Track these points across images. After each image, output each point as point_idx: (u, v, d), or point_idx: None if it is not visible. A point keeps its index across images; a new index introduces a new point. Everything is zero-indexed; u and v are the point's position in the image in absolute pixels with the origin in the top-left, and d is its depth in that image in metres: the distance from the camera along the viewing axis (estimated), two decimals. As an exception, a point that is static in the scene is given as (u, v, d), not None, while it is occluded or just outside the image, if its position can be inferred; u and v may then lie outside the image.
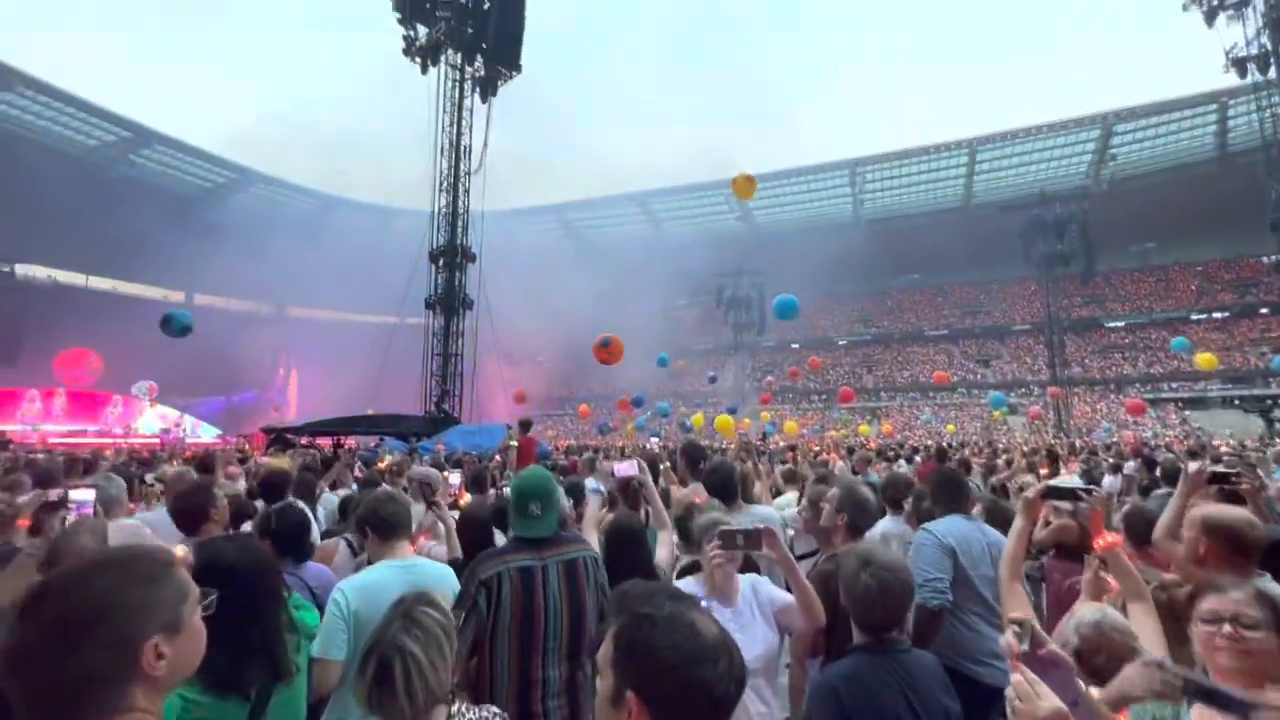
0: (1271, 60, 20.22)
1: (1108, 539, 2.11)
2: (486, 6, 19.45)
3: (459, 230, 19.32)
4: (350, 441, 15.66)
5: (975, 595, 2.71)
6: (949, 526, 2.80)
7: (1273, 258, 25.39)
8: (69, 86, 34.94)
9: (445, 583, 2.24)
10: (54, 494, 2.10)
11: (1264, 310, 37.13)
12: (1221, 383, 36.19)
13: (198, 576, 1.01)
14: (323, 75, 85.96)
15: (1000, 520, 3.58)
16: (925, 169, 44.99)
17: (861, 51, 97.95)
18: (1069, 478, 3.11)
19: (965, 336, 47.44)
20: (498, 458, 8.96)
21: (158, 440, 34.47)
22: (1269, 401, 30.48)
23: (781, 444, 16.84)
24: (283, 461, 5.08)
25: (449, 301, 18.88)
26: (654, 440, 22.50)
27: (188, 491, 2.67)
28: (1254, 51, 20.59)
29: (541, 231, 53.07)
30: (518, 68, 19.79)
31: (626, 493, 3.73)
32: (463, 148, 19.66)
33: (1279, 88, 20.59)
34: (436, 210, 19.53)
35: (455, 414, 18.35)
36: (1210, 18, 21.24)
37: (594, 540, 2.55)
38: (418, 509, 3.12)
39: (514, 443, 7.02)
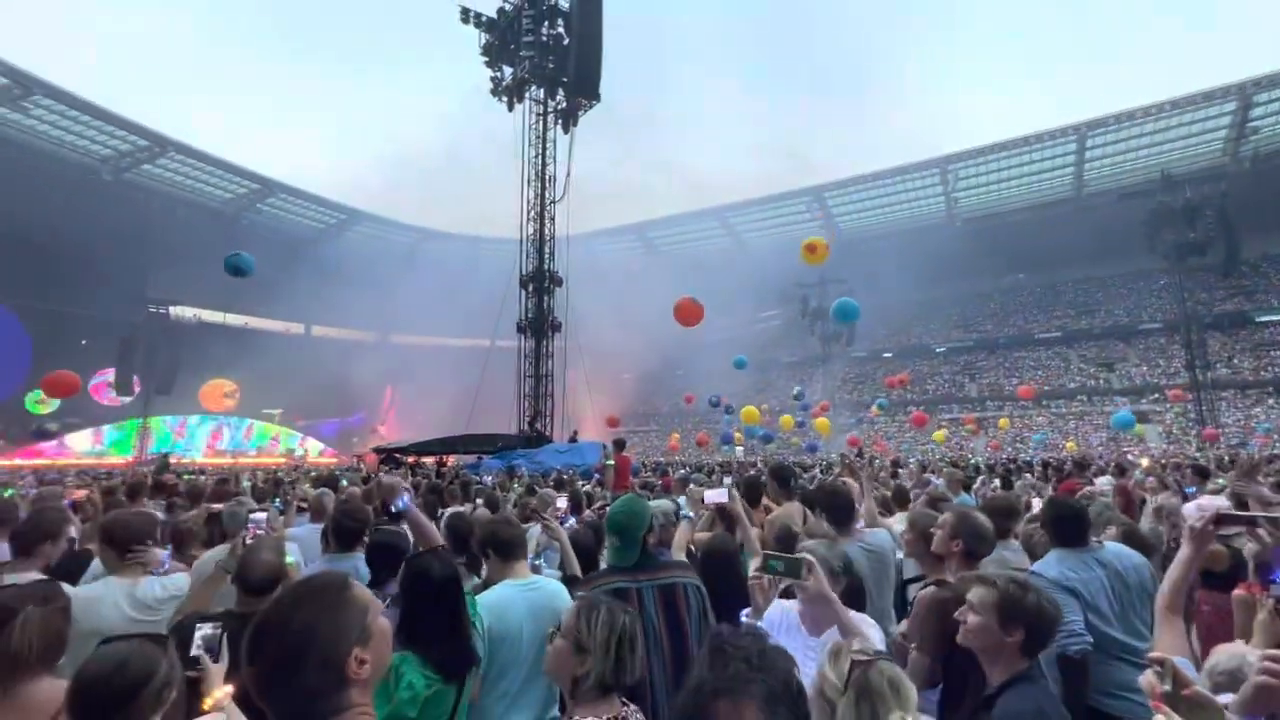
0: None
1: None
2: (566, 43, 20.33)
3: (546, 256, 20.11)
4: (451, 459, 16.58)
5: (1095, 631, 2.51)
6: (1061, 567, 2.61)
7: None
8: (204, 146, 39.90)
9: (562, 599, 2.32)
10: (216, 508, 2.49)
11: None
12: None
13: (410, 584, 1.40)
14: (416, 115, 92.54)
15: (1137, 547, 3.26)
16: (1027, 160, 41.91)
17: (946, 44, 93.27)
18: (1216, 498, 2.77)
19: (1083, 338, 43.37)
20: (595, 477, 9.18)
21: (284, 460, 38.10)
22: None
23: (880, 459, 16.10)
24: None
25: (538, 324, 19.65)
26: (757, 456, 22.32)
27: (349, 512, 3.00)
28: None
29: (624, 251, 54.18)
30: (597, 96, 20.49)
31: (724, 514, 3.71)
32: (548, 177, 20.52)
33: None
34: (525, 238, 20.45)
35: (547, 433, 18.96)
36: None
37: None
38: (533, 530, 3.27)
39: (610, 462, 7.18)
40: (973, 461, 16.08)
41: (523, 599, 2.24)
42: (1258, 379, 34.97)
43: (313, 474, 10.51)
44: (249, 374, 41.28)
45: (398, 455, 14.76)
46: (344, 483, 5.80)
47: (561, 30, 20.76)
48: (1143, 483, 6.23)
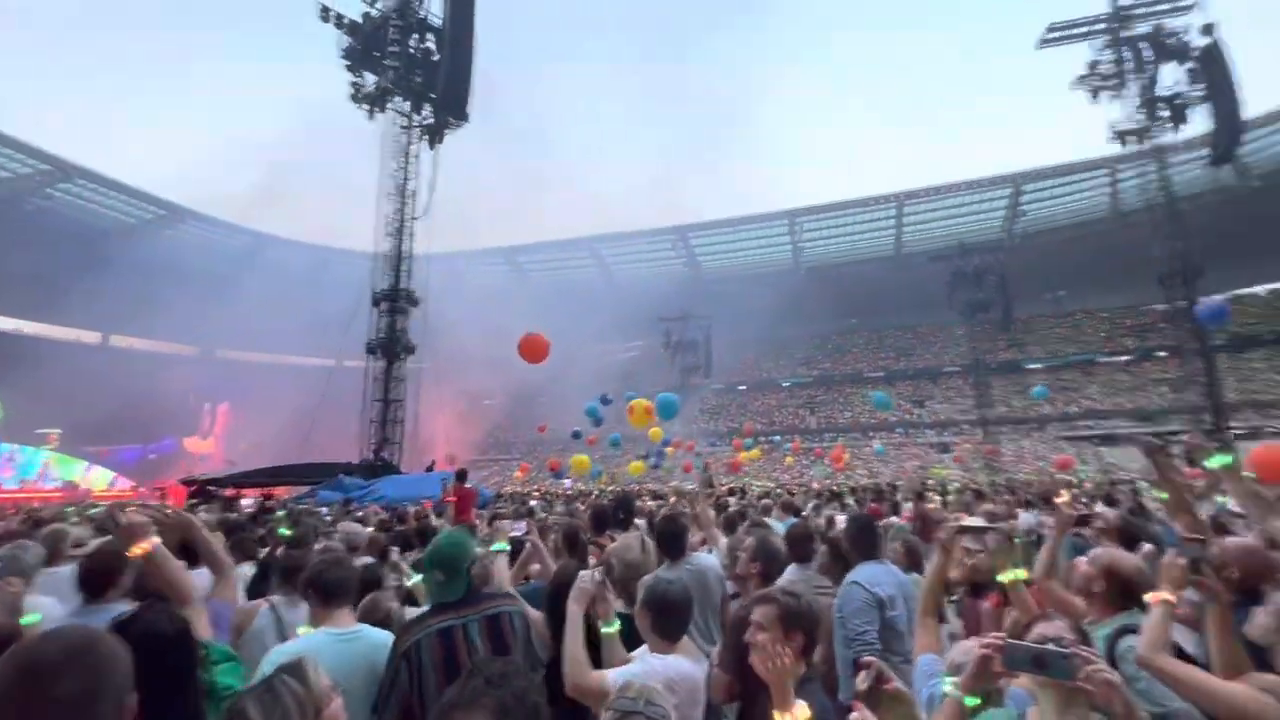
0: (1147, 134, 22.84)
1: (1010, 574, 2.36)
2: (436, 58, 19.83)
3: (402, 273, 19.13)
4: (280, 492, 14.87)
5: (898, 637, 2.86)
6: (872, 575, 2.95)
7: (1163, 307, 27.96)
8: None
9: (383, 654, 2.16)
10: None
11: (1161, 354, 40.56)
12: (1129, 420, 39.03)
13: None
14: (260, 114, 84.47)
15: (915, 561, 3.83)
16: (858, 220, 47.73)
17: (799, 110, 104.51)
18: (976, 518, 3.34)
19: (901, 378, 49.65)
20: (429, 507, 8.72)
21: (59, 494, 31.62)
22: (1169, 436, 33.02)
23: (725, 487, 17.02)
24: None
25: (390, 345, 18.50)
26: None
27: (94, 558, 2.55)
28: (1133, 125, 23.24)
29: (491, 274, 52.96)
30: (465, 117, 20.14)
31: (574, 544, 3.74)
32: (409, 192, 19.67)
33: (1154, 159, 23.20)
34: (380, 253, 19.32)
35: (395, 462, 17.75)
36: (1094, 95, 23.90)
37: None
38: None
39: (451, 499, 6.84)
40: (810, 488, 17.60)
41: (333, 651, 2.07)
42: (1025, 416, 42.29)
43: (91, 511, 8.89)
44: (17, 390, 34.10)
45: (211, 488, 12.94)
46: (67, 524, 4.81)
47: (431, 45, 20.26)
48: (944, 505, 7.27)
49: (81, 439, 37.61)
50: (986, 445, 31.93)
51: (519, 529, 3.01)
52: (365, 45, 20.30)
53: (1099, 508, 6.13)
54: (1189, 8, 23.66)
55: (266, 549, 4.33)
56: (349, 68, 20.49)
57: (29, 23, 70.49)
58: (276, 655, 2.03)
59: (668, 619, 2.06)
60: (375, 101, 20.03)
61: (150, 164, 56.08)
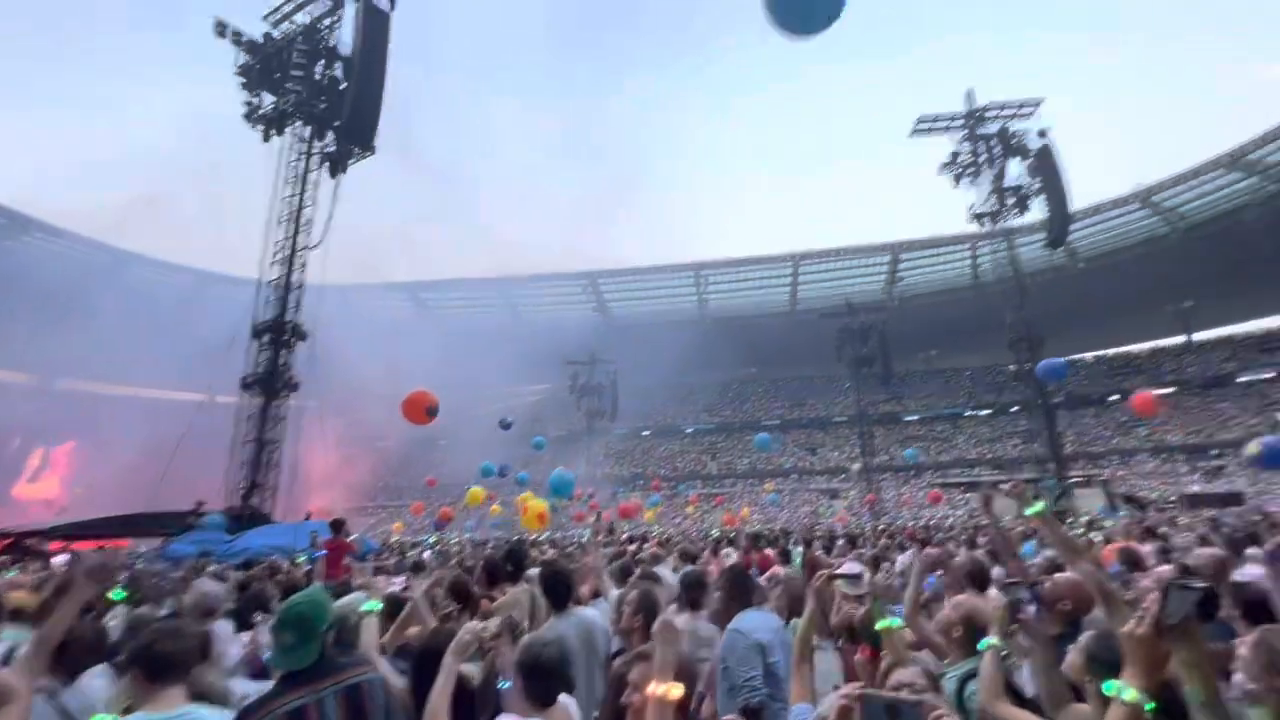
0: (998, 217, 26.29)
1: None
2: (343, 87, 19.27)
3: (290, 305, 17.88)
4: (123, 544, 13.00)
5: (778, 684, 2.95)
6: (753, 622, 3.05)
7: (1013, 367, 31.63)
8: None
9: None
10: None
11: (1014, 409, 45.60)
12: (990, 469, 43.24)
13: None
14: (137, 122, 77.33)
15: (798, 608, 3.98)
16: (758, 276, 50.66)
17: (707, 166, 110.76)
18: (850, 564, 3.54)
19: (795, 426, 52.23)
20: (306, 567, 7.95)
21: None
22: (998, 486, 36.89)
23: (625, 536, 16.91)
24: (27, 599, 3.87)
25: (270, 381, 17.06)
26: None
27: None
28: (986, 209, 26.68)
29: (392, 310, 50.72)
30: (371, 148, 19.55)
31: (464, 598, 3.54)
32: (303, 220, 18.63)
33: (1004, 238, 26.68)
34: (265, 282, 18.01)
35: (267, 510, 16.13)
36: (956, 180, 27.30)
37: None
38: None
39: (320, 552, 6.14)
40: (712, 535, 17.84)
41: None
42: (904, 465, 45.70)
43: None
44: None
45: (29, 542, 11.08)
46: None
47: (339, 74, 19.69)
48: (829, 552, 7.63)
49: None
50: (869, 494, 34.05)
51: (398, 584, 2.81)
52: (265, 65, 19.40)
53: (960, 550, 6.73)
54: (1029, 114, 27.89)
55: (92, 613, 3.73)
56: (245, 85, 19.44)
57: None
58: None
59: (537, 683, 1.97)
60: (272, 124, 19.05)
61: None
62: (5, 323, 33.47)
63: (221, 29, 19.33)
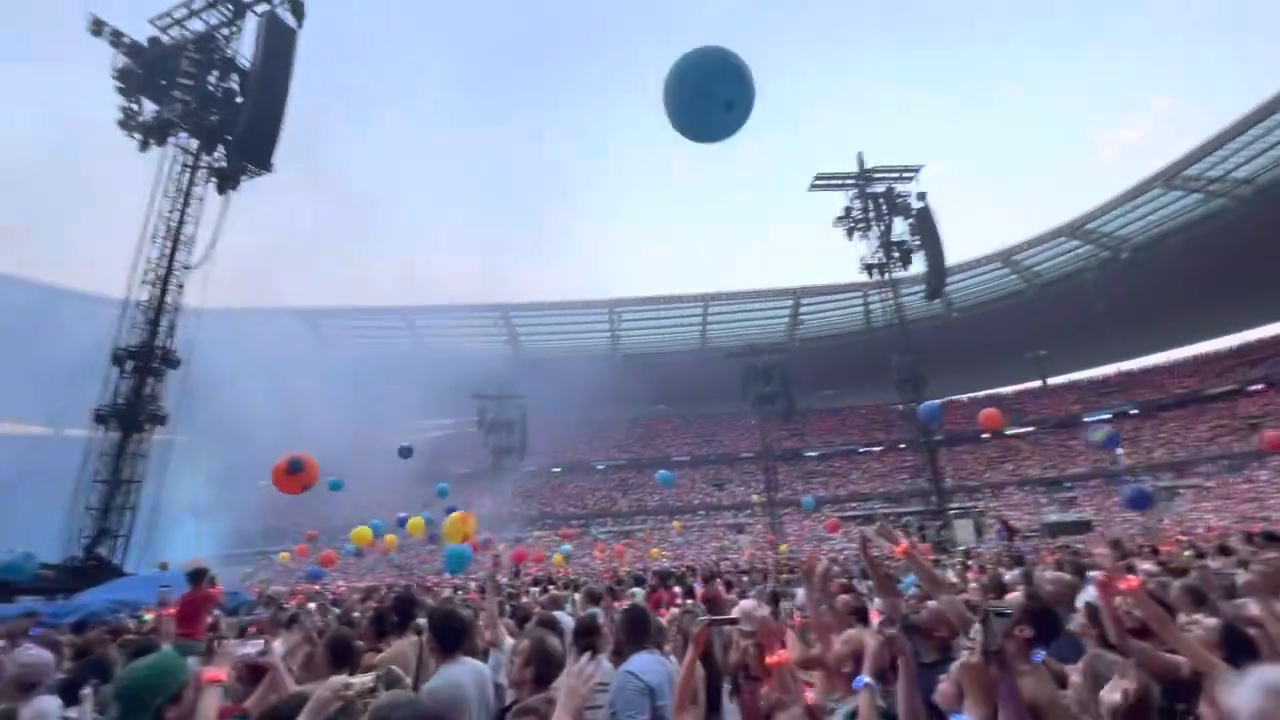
0: (886, 269, 28.73)
1: (776, 657, 2.57)
2: (239, 101, 18.13)
3: (162, 329, 16.19)
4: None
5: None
6: (644, 664, 3.02)
7: (900, 406, 34.21)
8: None
9: None
10: None
11: (902, 446, 49.08)
12: (882, 502, 46.04)
13: None
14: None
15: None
16: (670, 315, 51.95)
17: (624, 206, 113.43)
18: (745, 602, 3.61)
19: (704, 463, 53.24)
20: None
21: None
22: (908, 519, 39.50)
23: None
24: None
25: (131, 414, 15.22)
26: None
27: None
28: (875, 261, 29.11)
29: (284, 337, 47.14)
30: (269, 166, 18.41)
31: (342, 657, 3.23)
32: (183, 237, 17.08)
33: (890, 288, 29.15)
34: (132, 302, 16.23)
35: (117, 560, 14.17)
36: (849, 233, 29.67)
37: None
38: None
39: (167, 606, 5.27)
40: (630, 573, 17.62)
41: None
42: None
43: None
44: None
45: None
46: None
47: (235, 86, 18.54)
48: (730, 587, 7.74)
49: None
50: (769, 534, 35.16)
51: (252, 649, 2.51)
52: (148, 70, 17.92)
53: (856, 583, 7.06)
54: (910, 178, 31.02)
55: None
56: (122, 91, 17.84)
57: None
58: None
59: None
60: (152, 133, 17.51)
61: None
62: None
63: (98, 27, 17.74)
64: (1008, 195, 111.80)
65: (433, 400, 44.56)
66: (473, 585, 13.97)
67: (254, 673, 2.95)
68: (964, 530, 29.87)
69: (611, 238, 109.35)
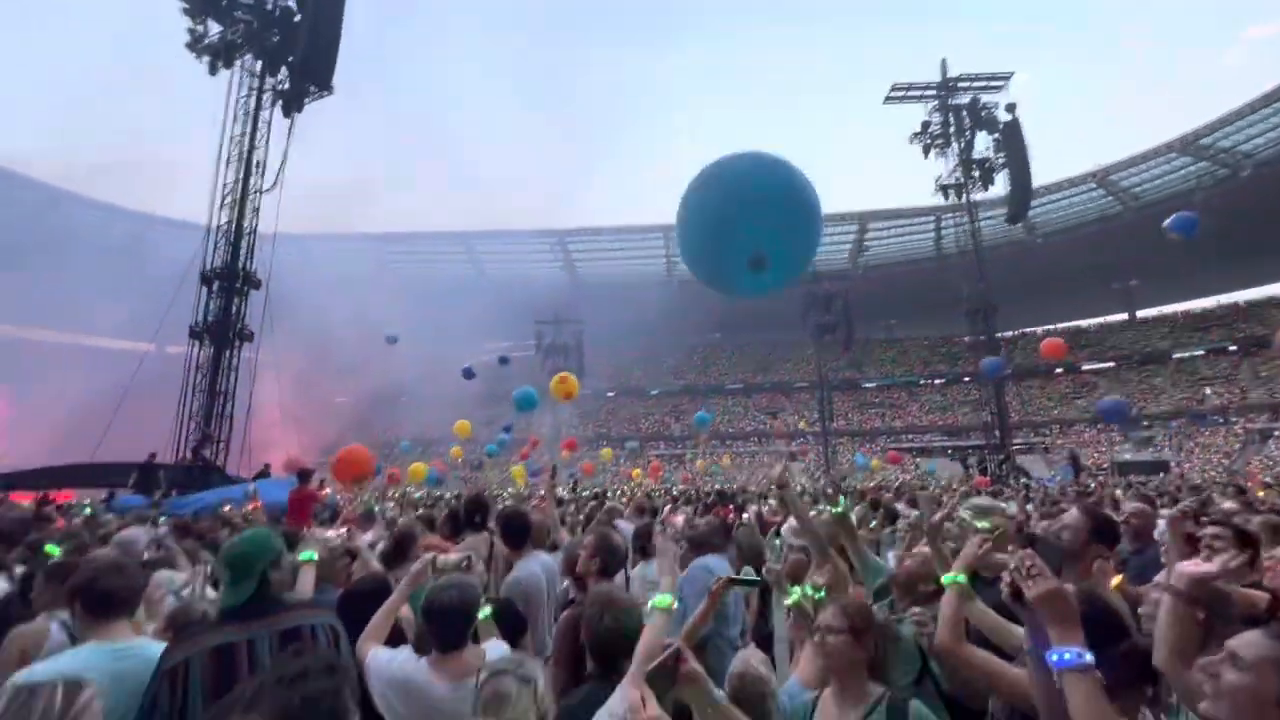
0: (964, 190, 26.72)
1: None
2: (297, 19, 18.06)
3: (242, 252, 17.10)
4: (66, 496, 12.57)
5: (726, 623, 3.14)
6: (718, 564, 3.29)
7: (967, 339, 32.72)
8: None
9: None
10: None
11: (966, 379, 47.37)
12: (941, 435, 45.12)
13: None
14: (61, 46, 71.02)
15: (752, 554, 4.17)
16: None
17: (679, 129, 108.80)
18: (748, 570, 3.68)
19: (758, 390, 53.22)
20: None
21: None
22: (969, 452, 38.63)
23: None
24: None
25: (221, 331, 16.42)
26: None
27: None
28: (952, 181, 27.06)
29: (351, 261, 48.99)
30: (329, 88, 18.50)
31: (403, 548, 3.57)
32: (255, 162, 17.65)
33: (967, 212, 27.22)
34: (215, 227, 17.12)
35: (219, 463, 15.74)
36: (926, 151, 27.52)
37: None
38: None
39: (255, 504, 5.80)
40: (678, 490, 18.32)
41: (101, 669, 1.78)
42: (861, 429, 47.27)
43: None
44: None
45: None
46: None
47: (292, 3, 18.42)
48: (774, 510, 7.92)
49: None
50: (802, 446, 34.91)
51: (335, 535, 2.81)
52: (214, -10, 17.99)
53: (903, 508, 7.08)
54: (999, 88, 28.12)
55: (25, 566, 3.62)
56: (187, 11, 18.05)
57: None
58: (27, 676, 1.73)
59: (438, 626, 1.97)
60: (219, 55, 17.78)
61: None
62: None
63: (160, -54, 17.80)
64: (1103, 111, 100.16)
65: (493, 324, 45.83)
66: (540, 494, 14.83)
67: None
68: (1032, 466, 29.06)
69: (668, 162, 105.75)
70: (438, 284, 47.94)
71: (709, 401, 52.64)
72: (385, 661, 1.98)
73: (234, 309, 16.68)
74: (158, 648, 1.95)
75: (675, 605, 1.85)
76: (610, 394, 53.44)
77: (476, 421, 32.43)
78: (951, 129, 27.89)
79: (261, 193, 17.57)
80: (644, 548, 3.68)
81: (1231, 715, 1.16)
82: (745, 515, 7.40)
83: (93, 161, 43.05)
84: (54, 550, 3.89)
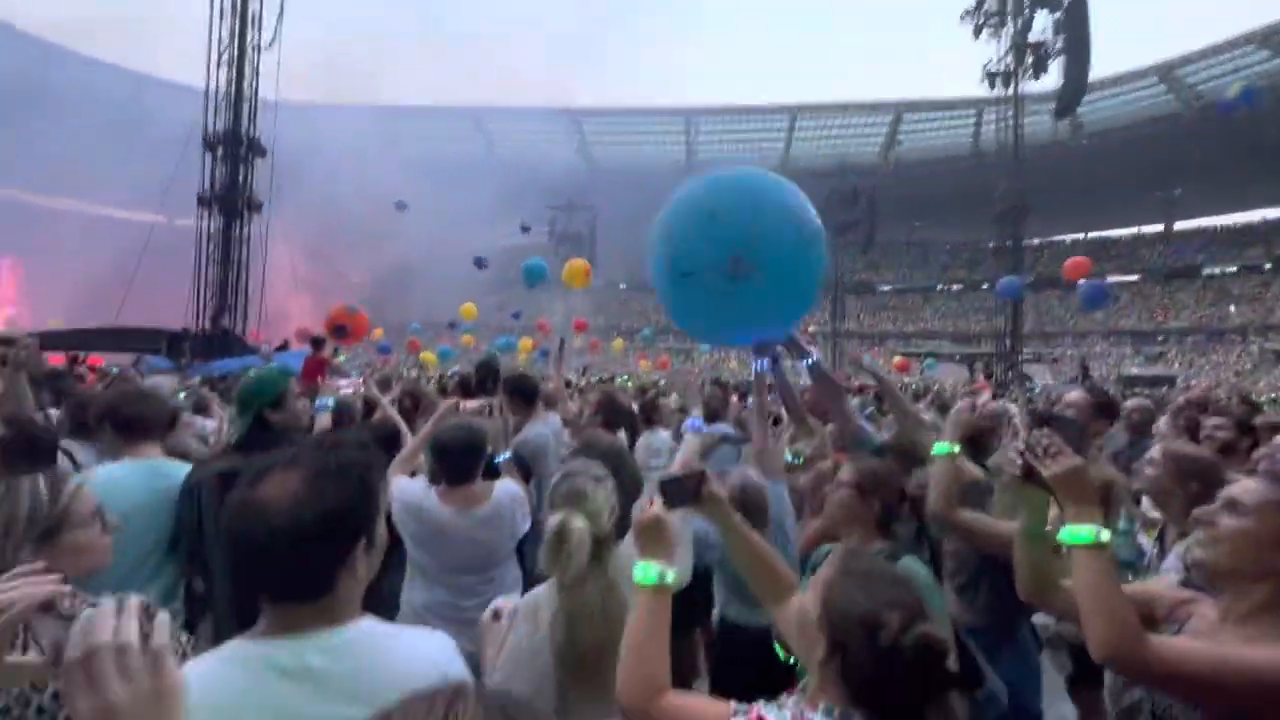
0: (1013, 78, 24.64)
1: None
2: None
3: (244, 116, 16.37)
4: (95, 361, 13.02)
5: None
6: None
7: (992, 244, 31.64)
8: None
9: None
10: None
11: (984, 286, 46.45)
12: (952, 342, 45.07)
13: None
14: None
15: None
16: (751, 127, 47.78)
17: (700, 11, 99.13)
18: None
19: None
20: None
21: None
22: (976, 359, 38.69)
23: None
24: None
25: (229, 199, 16.13)
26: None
27: None
28: (1001, 69, 24.89)
29: (356, 134, 47.04)
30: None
31: (416, 404, 3.71)
32: (250, 15, 16.43)
33: (1013, 103, 25.27)
34: (214, 88, 16.27)
35: (237, 332, 16.10)
36: (976, 32, 25.09)
37: None
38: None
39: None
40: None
41: (130, 483, 1.96)
42: (873, 332, 47.23)
43: None
44: None
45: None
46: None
47: None
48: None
49: None
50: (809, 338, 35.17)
51: (347, 384, 2.94)
52: None
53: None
54: (1069, -42, 24.98)
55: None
56: None
57: None
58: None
59: (447, 462, 2.16)
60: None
61: None
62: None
63: None
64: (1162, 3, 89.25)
65: (503, 207, 44.70)
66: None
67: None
68: (1039, 376, 29.19)
69: (689, 45, 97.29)
70: (447, 161, 46.24)
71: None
72: (404, 487, 2.19)
73: (240, 177, 16.27)
74: (177, 468, 2.13)
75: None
76: (622, 286, 53.11)
77: (486, 306, 32.65)
78: (1009, 5, 25.19)
79: (259, 50, 16.52)
80: (649, 418, 3.81)
81: (1230, 558, 1.19)
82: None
83: (86, 16, 40.38)
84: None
